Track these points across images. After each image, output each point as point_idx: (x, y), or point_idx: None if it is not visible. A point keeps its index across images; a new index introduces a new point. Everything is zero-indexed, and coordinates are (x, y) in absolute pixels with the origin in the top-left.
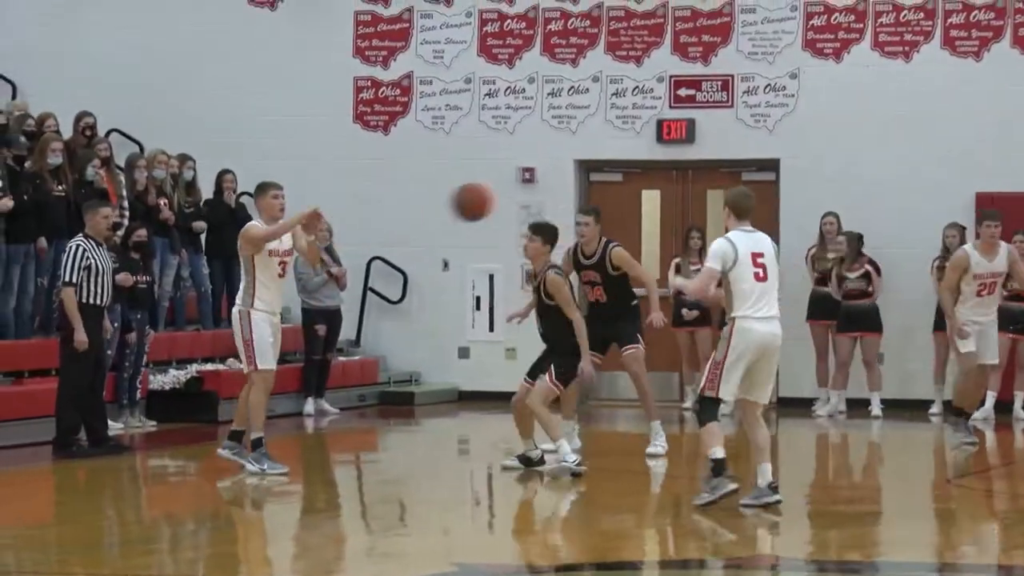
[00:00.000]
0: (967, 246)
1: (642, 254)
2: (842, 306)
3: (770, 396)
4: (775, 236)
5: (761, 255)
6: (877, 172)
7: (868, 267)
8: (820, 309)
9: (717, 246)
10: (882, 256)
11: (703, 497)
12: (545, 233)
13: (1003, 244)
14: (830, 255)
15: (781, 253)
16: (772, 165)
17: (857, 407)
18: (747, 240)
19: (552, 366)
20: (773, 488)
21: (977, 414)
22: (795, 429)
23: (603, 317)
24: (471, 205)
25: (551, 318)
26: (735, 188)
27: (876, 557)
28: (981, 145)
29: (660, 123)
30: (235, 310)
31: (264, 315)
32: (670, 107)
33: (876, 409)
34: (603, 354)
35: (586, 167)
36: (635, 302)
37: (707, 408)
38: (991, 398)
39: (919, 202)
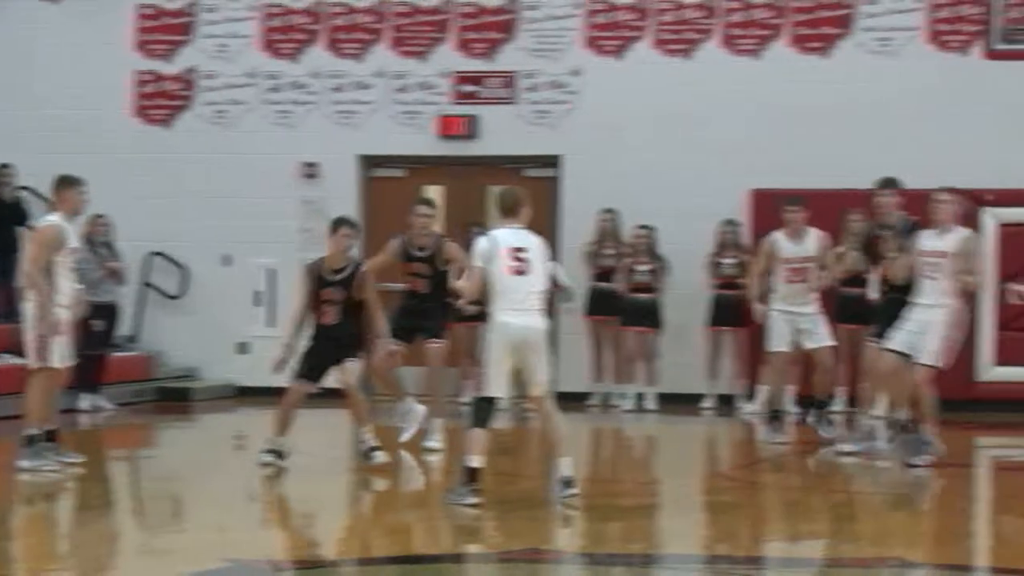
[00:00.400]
0: (774, 233)
1: None
2: (627, 300)
3: (544, 386)
4: (555, 232)
5: (523, 250)
6: (656, 169)
7: (656, 263)
8: (597, 305)
9: (477, 244)
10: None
11: (448, 498)
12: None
13: (812, 230)
14: (608, 251)
15: (561, 249)
16: (553, 162)
17: (631, 401)
18: (508, 236)
19: (349, 356)
20: (566, 482)
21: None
22: (571, 424)
23: (417, 309)
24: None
25: (352, 312)
26: (500, 188)
27: (650, 550)
28: (759, 143)
29: (443, 119)
30: (32, 304)
31: (66, 311)
32: (453, 103)
33: (651, 403)
34: (409, 343)
35: (369, 162)
36: (449, 298)
37: (478, 409)
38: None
39: (696, 199)
